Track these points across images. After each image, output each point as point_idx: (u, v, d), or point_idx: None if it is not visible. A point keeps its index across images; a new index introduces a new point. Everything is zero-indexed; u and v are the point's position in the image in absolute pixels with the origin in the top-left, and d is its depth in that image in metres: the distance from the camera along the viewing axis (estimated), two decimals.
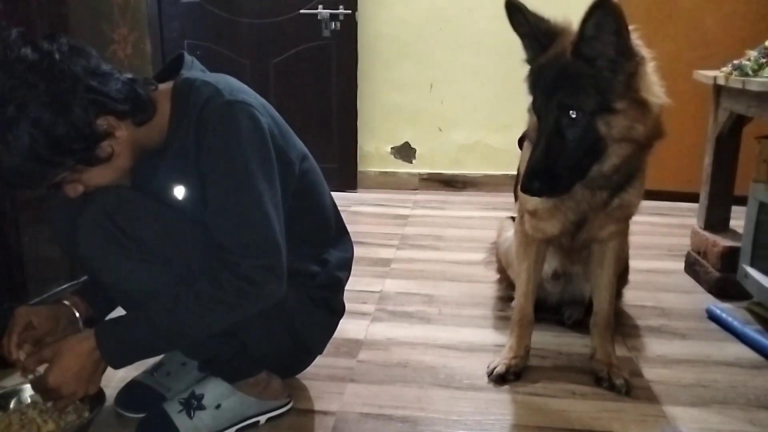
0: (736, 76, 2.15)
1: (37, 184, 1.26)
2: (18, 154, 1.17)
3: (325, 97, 3.92)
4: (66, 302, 1.46)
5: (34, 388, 1.36)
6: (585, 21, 1.33)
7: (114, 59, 2.09)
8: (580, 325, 2.03)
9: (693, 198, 2.75)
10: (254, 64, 3.90)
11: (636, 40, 1.39)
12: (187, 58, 1.45)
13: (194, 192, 1.35)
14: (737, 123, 2.37)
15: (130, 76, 1.32)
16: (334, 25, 3.79)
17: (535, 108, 1.47)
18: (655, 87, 1.46)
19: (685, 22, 3.63)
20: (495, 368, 1.74)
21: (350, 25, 3.79)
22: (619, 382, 1.68)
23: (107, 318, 1.35)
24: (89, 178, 1.29)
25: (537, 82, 1.46)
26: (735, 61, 2.20)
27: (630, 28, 1.35)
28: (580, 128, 1.39)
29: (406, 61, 3.92)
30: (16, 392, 1.51)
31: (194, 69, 1.44)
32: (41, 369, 1.32)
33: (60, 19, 1.88)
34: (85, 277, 1.52)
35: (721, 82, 2.28)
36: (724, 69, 2.27)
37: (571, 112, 1.38)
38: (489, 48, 3.81)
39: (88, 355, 1.29)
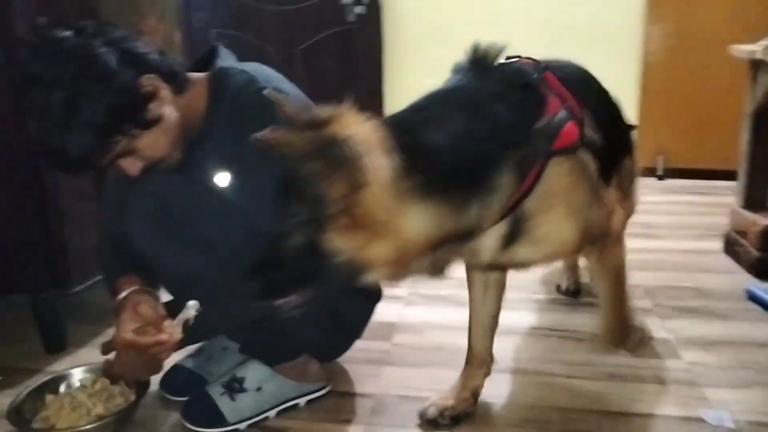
0: None
1: (100, 159, 1.28)
2: (81, 130, 1.20)
3: (351, 82, 3.91)
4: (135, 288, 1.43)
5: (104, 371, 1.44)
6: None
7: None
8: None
9: (731, 176, 2.69)
10: (279, 51, 3.90)
11: (353, 145, 1.01)
12: (222, 49, 1.48)
13: (236, 178, 1.38)
14: None
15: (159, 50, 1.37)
16: (359, 9, 3.77)
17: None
18: (382, 204, 1.04)
19: None
20: (426, 410, 1.50)
21: (375, 9, 3.77)
22: None
23: None
24: (145, 146, 1.30)
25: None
26: None
27: None
28: (302, 240, 1.09)
29: (433, 44, 3.88)
30: (66, 376, 1.56)
31: (229, 59, 1.46)
32: None
33: (91, 11, 1.91)
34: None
35: (759, 56, 2.22)
36: (762, 42, 2.21)
37: (294, 220, 1.10)
38: (519, 28, 3.75)
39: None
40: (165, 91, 1.32)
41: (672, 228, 2.92)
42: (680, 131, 3.75)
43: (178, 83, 1.35)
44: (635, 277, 2.31)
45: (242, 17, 3.89)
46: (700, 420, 1.48)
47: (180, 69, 1.37)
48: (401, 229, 1.04)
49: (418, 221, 1.05)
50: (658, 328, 1.94)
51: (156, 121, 1.30)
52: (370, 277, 1.09)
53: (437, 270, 1.16)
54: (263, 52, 3.86)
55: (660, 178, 3.79)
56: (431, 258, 1.12)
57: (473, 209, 1.10)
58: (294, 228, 1.06)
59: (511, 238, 1.22)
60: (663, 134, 3.73)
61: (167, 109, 1.32)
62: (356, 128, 1.02)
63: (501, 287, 1.52)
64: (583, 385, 1.64)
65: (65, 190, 1.79)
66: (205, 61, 1.47)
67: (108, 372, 1.42)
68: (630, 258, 2.49)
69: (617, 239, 1.47)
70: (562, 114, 1.21)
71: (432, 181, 1.05)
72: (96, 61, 1.21)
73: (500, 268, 1.41)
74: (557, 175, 1.20)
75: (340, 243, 1.03)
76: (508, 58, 1.30)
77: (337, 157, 0.98)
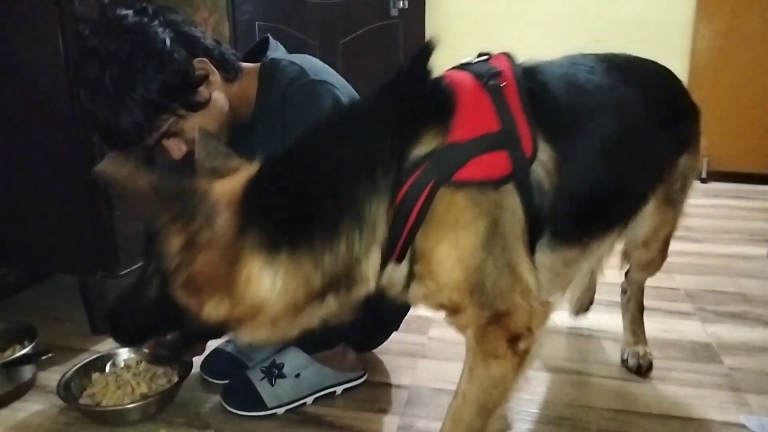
0: None
1: (148, 135, 1.31)
2: (131, 105, 1.24)
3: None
4: None
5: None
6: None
7: None
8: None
9: None
10: (322, 45, 3.94)
11: (206, 204, 0.95)
12: (273, 41, 1.50)
13: None
14: None
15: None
16: (402, 3, 3.77)
17: None
18: (218, 266, 0.97)
19: None
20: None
21: (418, 3, 3.76)
22: None
23: None
24: (191, 128, 1.32)
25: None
26: None
27: None
28: (157, 289, 1.03)
29: (476, 39, 3.86)
30: (111, 356, 1.62)
31: (279, 51, 1.49)
32: None
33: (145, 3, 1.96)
34: None
35: None
36: None
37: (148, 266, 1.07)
38: (564, 24, 3.71)
39: None
40: (216, 77, 1.35)
41: (715, 232, 2.85)
42: (726, 133, 3.66)
43: (230, 70, 1.39)
44: (676, 280, 2.28)
45: (286, 10, 3.93)
46: (741, 426, 1.45)
47: (233, 57, 1.40)
48: (244, 290, 0.95)
49: (263, 282, 0.95)
50: (699, 332, 1.90)
51: (204, 104, 1.33)
52: (238, 335, 1.03)
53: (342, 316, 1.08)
54: (307, 45, 3.89)
55: (704, 181, 3.71)
56: (317, 315, 1.04)
57: (329, 258, 0.98)
58: (148, 278, 1.02)
59: (410, 276, 1.08)
60: (708, 136, 3.61)
61: (217, 95, 1.36)
62: (224, 184, 0.97)
63: None
64: (621, 386, 1.62)
65: (119, 203, 1.85)
66: (256, 52, 1.50)
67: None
68: (671, 261, 2.45)
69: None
70: (482, 140, 1.02)
71: (275, 237, 0.95)
72: (152, 40, 1.25)
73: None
74: (447, 205, 1.01)
75: (184, 299, 0.97)
76: (480, 55, 1.18)
77: (181, 208, 0.92)
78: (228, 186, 0.97)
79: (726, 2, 3.56)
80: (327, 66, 1.46)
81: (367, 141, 1.01)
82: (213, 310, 0.96)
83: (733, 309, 2.06)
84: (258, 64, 1.44)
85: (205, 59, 1.33)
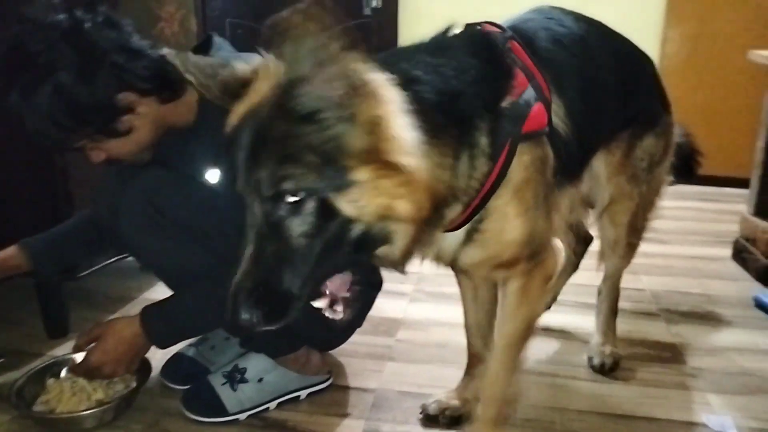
0: None
1: (56, 145, 1.30)
2: (37, 116, 1.21)
3: None
4: None
5: (73, 371, 1.43)
6: (281, 53, 0.86)
7: (161, 37, 2.11)
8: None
9: (743, 183, 2.66)
10: None
11: (369, 71, 0.87)
12: (217, 39, 1.44)
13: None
14: None
15: (162, 52, 1.33)
16: (376, 2, 3.76)
17: (239, 191, 0.93)
18: (405, 138, 0.90)
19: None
20: (428, 405, 1.48)
21: (391, 3, 3.75)
22: None
23: (150, 303, 1.39)
24: (108, 148, 1.32)
25: (232, 154, 0.92)
26: None
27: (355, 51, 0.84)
28: (310, 216, 0.87)
29: None
30: (67, 361, 1.56)
31: (223, 50, 1.43)
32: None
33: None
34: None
35: None
36: None
37: (287, 194, 0.87)
38: None
39: (132, 339, 1.34)
40: (144, 107, 1.30)
41: (681, 233, 2.89)
42: (694, 136, 3.71)
43: (172, 90, 1.33)
44: (642, 282, 2.30)
45: (258, 8, 3.88)
46: (703, 425, 1.47)
47: (176, 75, 1.31)
48: (419, 172, 0.90)
49: (428, 164, 0.93)
50: (664, 332, 1.92)
51: (123, 133, 1.30)
52: (393, 247, 0.94)
53: (404, 258, 1.01)
54: None
55: (671, 183, 3.76)
56: (424, 231, 0.98)
57: (462, 165, 1.01)
58: (293, 208, 0.86)
59: (469, 236, 1.10)
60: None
61: (141, 123, 1.31)
62: (357, 62, 0.86)
63: (492, 287, 1.45)
64: (587, 387, 1.62)
65: (76, 175, 1.80)
66: (201, 50, 1.43)
67: (81, 367, 1.40)
68: (637, 262, 2.48)
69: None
70: (529, 93, 1.08)
71: (431, 120, 0.94)
72: (82, 61, 1.21)
73: (460, 268, 1.24)
74: (516, 161, 1.06)
75: (363, 199, 0.86)
76: (467, 25, 1.22)
77: (358, 84, 0.83)
78: (363, 65, 0.88)
79: (694, 8, 3.61)
80: None
81: (473, 80, 1.04)
82: (396, 203, 0.88)
83: (697, 310, 2.09)
84: None
85: (132, 93, 1.27)
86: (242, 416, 1.47)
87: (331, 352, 1.72)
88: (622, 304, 2.04)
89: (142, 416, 1.48)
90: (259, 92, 0.91)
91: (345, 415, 1.51)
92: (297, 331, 1.49)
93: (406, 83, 0.94)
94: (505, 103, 1.06)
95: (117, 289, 2.17)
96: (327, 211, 0.87)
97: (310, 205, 0.87)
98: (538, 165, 1.10)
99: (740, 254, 2.47)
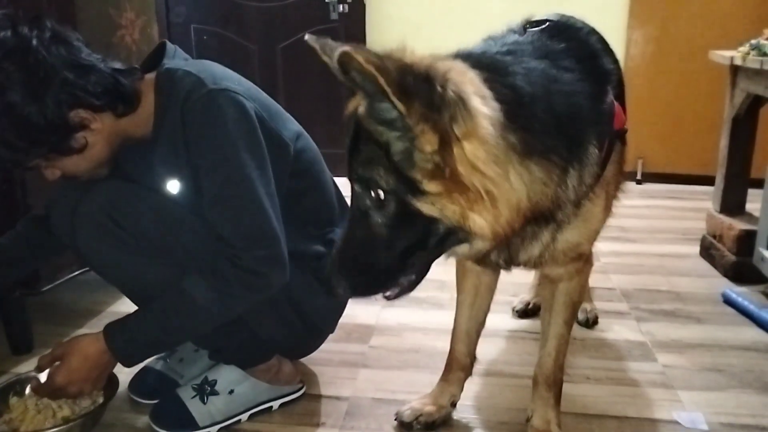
0: (753, 55, 2.11)
1: (11, 166, 1.25)
2: None
3: (334, 81, 3.85)
4: None
5: (36, 392, 1.38)
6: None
7: (121, 45, 2.07)
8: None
9: (708, 181, 2.71)
10: (261, 49, 3.86)
11: (471, 91, 0.88)
12: (170, 47, 1.42)
13: (189, 184, 1.33)
14: (754, 104, 2.33)
15: (115, 65, 1.30)
16: (342, 7, 3.75)
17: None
18: (489, 166, 0.89)
19: (701, 1, 3.57)
20: (403, 412, 1.47)
21: (358, 8, 3.75)
22: None
23: (113, 320, 1.34)
24: (63, 165, 1.28)
25: (345, 139, 0.98)
26: (753, 41, 2.16)
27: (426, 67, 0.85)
28: (391, 212, 0.92)
29: (416, 44, 3.84)
30: (30, 378, 1.51)
31: (177, 58, 1.40)
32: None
33: (66, 3, 1.86)
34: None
35: (738, 62, 2.23)
36: (741, 49, 2.23)
37: (372, 189, 0.93)
38: (499, 28, 3.75)
39: (98, 356, 1.30)
40: (98, 123, 1.27)
41: (649, 232, 2.94)
42: (660, 136, 3.78)
43: (125, 104, 1.29)
44: (612, 281, 2.33)
45: (224, 13, 3.85)
46: (675, 422, 1.48)
47: (130, 88, 1.29)
48: (503, 191, 0.90)
49: (520, 184, 0.92)
50: (634, 330, 1.94)
51: (78, 150, 1.26)
52: (472, 247, 0.97)
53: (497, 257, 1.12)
54: (245, 49, 3.81)
55: (639, 182, 3.82)
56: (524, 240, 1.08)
57: (571, 179, 1.02)
58: (359, 220, 0.94)
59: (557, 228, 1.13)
60: (643, 139, 3.75)
61: (95, 139, 1.28)
62: (449, 64, 0.87)
63: (491, 293, 1.49)
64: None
65: (34, 187, 1.75)
66: (154, 58, 1.40)
67: (45, 387, 1.34)
68: (607, 261, 2.52)
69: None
70: (611, 91, 1.13)
71: (533, 138, 0.93)
72: (30, 81, 1.16)
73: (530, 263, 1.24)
74: (611, 160, 1.15)
75: (439, 204, 0.89)
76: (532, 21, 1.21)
77: (439, 97, 0.83)
78: (457, 69, 0.90)
79: (656, 10, 3.67)
80: (227, 70, 1.39)
81: (579, 83, 1.04)
82: (471, 217, 0.90)
83: (666, 307, 2.12)
84: (153, 75, 1.35)
85: (84, 110, 1.23)
86: (213, 429, 1.44)
87: (303, 360, 1.70)
88: (594, 303, 2.08)
89: None
90: (391, 65, 0.88)
91: (318, 425, 1.49)
92: (264, 340, 1.48)
93: (512, 99, 0.93)
94: (606, 105, 1.10)
95: (82, 302, 2.12)
96: (408, 210, 0.91)
97: (391, 203, 0.92)
98: (622, 159, 1.23)
99: (708, 251, 2.51)
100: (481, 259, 1.15)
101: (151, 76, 1.35)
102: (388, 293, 1.04)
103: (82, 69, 1.22)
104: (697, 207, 3.16)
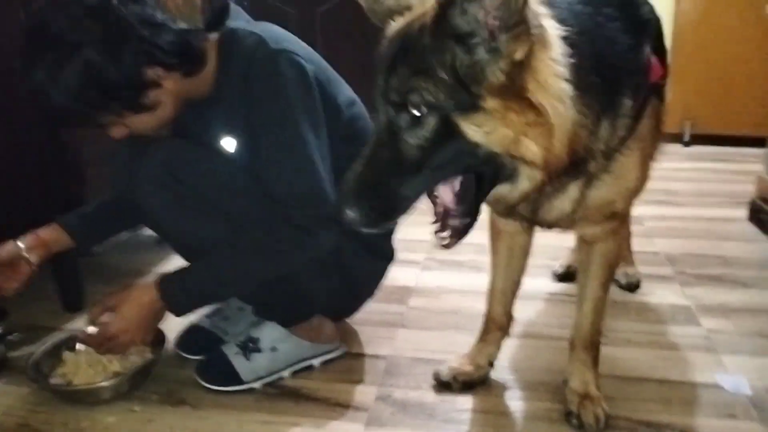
0: None
1: (82, 122, 1.30)
2: (67, 93, 1.20)
3: (373, 46, 3.82)
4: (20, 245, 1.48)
5: (88, 341, 1.42)
6: None
7: (165, 9, 2.08)
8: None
9: (759, 143, 2.61)
10: (300, 13, 3.83)
11: (538, 8, 0.90)
12: (233, 7, 1.43)
13: (245, 143, 1.37)
14: None
15: (183, 26, 1.32)
16: None
17: (373, 98, 0.98)
18: (557, 86, 0.91)
19: None
20: (440, 371, 1.48)
21: None
22: (589, 421, 1.31)
23: (167, 271, 1.39)
24: (132, 123, 1.31)
25: (378, 63, 0.97)
26: None
27: None
28: (428, 132, 0.90)
29: None
30: (87, 336, 1.58)
31: (240, 19, 1.43)
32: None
33: None
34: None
35: None
36: None
37: (411, 105, 0.90)
38: None
39: (150, 305, 1.34)
40: (169, 82, 1.29)
41: (696, 195, 2.85)
42: (709, 96, 3.64)
43: (193, 64, 1.32)
44: (656, 245, 2.28)
45: None
46: (718, 386, 1.46)
47: (198, 49, 1.31)
48: (559, 118, 0.90)
49: (571, 113, 0.93)
50: (678, 295, 1.90)
51: (149, 108, 1.29)
52: (513, 187, 0.96)
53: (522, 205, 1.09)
54: (283, 13, 3.78)
55: (686, 144, 3.70)
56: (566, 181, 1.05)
57: (603, 130, 1.01)
58: (413, 120, 0.89)
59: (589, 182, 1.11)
60: (692, 99, 3.62)
61: (166, 99, 1.30)
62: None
63: (526, 255, 1.48)
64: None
65: (86, 150, 1.80)
66: (216, 19, 1.43)
67: (98, 337, 1.38)
68: (651, 225, 2.47)
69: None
70: (648, 42, 1.10)
71: (581, 73, 0.93)
72: (109, 37, 1.19)
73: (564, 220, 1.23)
74: (645, 116, 1.12)
75: (488, 125, 0.88)
76: None
77: (516, 6, 0.82)
78: None
79: None
80: (288, 33, 1.41)
81: (620, 33, 1.04)
82: (526, 140, 0.90)
83: (712, 272, 2.07)
84: (216, 35, 1.37)
85: (160, 67, 1.26)
86: (257, 384, 1.49)
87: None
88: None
89: (158, 387, 1.50)
90: (418, 11, 0.95)
91: (358, 382, 1.52)
92: (308, 299, 1.51)
93: (573, 36, 0.94)
94: (642, 56, 1.08)
95: (131, 263, 2.19)
96: (448, 131, 0.89)
97: (431, 121, 0.90)
98: (658, 115, 1.19)
99: (757, 215, 2.43)
100: (513, 211, 1.13)
101: (214, 37, 1.38)
102: (444, 239, 1.02)
103: (156, 27, 1.24)
104: (746, 170, 3.04)
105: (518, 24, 0.84)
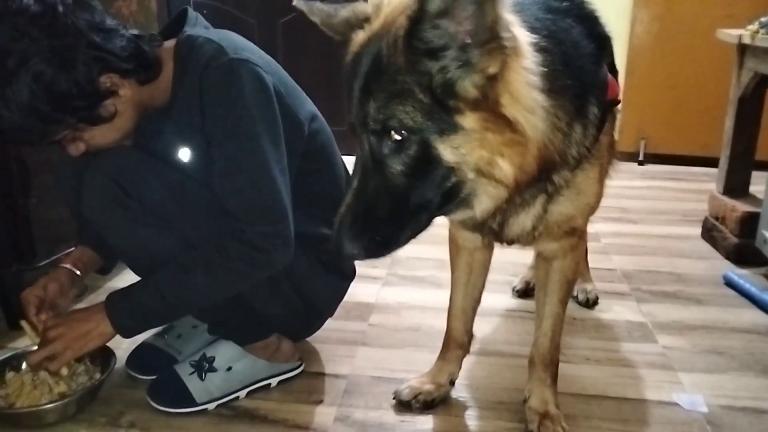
0: (763, 34, 2.07)
1: (38, 140, 1.23)
2: (18, 109, 1.14)
3: (335, 57, 3.81)
4: (65, 265, 1.45)
5: (31, 359, 1.35)
6: None
7: (118, 16, 2.03)
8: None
9: (710, 162, 2.69)
10: (261, 24, 3.80)
11: (509, 17, 0.87)
12: (191, 13, 1.40)
13: (200, 154, 1.32)
14: (761, 84, 2.29)
15: (135, 32, 1.29)
16: None
17: (350, 122, 0.97)
18: (530, 96, 0.90)
19: None
20: (401, 391, 1.46)
21: None
22: None
23: (114, 290, 1.34)
24: (91, 137, 1.26)
25: (348, 83, 0.95)
26: (762, 19, 2.12)
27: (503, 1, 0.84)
28: (409, 157, 0.90)
29: None
30: (27, 354, 1.50)
31: (198, 26, 1.39)
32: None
33: None
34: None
35: (746, 41, 2.20)
36: (750, 27, 2.19)
37: (393, 131, 0.89)
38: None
39: (96, 324, 1.30)
40: (125, 90, 1.25)
41: (650, 213, 2.92)
42: (663, 117, 3.74)
43: (147, 70, 1.28)
44: (613, 261, 2.32)
45: None
46: (674, 404, 1.48)
47: (152, 54, 1.28)
48: (533, 132, 0.90)
49: (545, 122, 0.93)
50: (634, 312, 1.93)
51: (107, 119, 1.24)
52: (474, 209, 0.96)
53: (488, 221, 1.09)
54: (245, 24, 3.75)
55: (641, 163, 3.79)
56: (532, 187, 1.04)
57: (576, 134, 1.03)
58: (396, 145, 0.88)
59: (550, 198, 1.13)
60: (646, 119, 3.71)
61: (123, 107, 1.26)
62: (500, 8, 0.85)
63: (486, 271, 1.47)
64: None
65: (31, 161, 1.73)
66: (174, 25, 1.39)
67: (41, 353, 1.33)
68: (608, 242, 2.51)
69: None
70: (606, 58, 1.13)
71: (553, 79, 0.93)
72: (58, 46, 1.14)
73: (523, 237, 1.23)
74: (605, 130, 1.14)
75: (466, 147, 0.87)
76: None
77: (488, 21, 0.81)
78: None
79: None
80: (248, 41, 1.38)
81: (589, 56, 1.05)
82: (500, 157, 0.89)
83: (667, 288, 2.10)
84: (174, 42, 1.34)
85: (115, 74, 1.21)
86: (211, 406, 1.44)
87: None
88: (594, 284, 2.06)
89: (106, 408, 1.44)
90: (382, 22, 0.93)
91: (317, 402, 1.48)
92: (265, 318, 1.47)
93: (543, 42, 0.94)
94: (602, 73, 1.09)
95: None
96: (427, 155, 0.88)
97: (412, 146, 0.89)
98: (612, 133, 1.22)
99: (710, 233, 2.49)
100: (478, 225, 1.15)
101: (170, 44, 1.34)
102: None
103: (107, 33, 1.20)
104: (699, 188, 3.14)
105: (491, 40, 0.83)
